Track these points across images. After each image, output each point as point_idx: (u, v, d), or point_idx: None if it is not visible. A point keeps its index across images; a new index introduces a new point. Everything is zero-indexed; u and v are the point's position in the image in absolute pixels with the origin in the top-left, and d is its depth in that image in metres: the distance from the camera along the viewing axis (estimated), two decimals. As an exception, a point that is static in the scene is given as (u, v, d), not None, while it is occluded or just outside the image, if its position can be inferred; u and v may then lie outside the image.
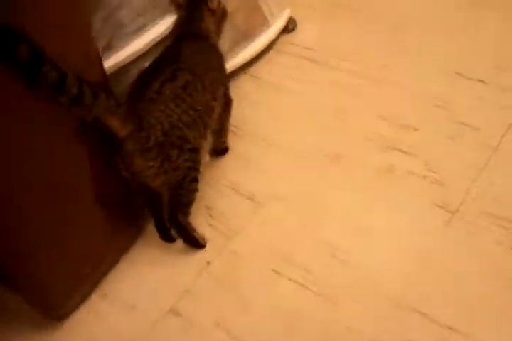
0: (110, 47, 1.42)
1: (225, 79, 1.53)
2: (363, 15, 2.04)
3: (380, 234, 1.39)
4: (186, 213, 1.37)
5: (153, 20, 1.49)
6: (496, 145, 1.54)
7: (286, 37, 1.98)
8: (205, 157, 1.46)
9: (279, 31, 1.93)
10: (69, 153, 1.17)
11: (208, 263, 1.40)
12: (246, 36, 1.82)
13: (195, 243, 1.41)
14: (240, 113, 1.73)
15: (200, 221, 1.47)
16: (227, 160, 1.63)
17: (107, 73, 1.36)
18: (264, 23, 1.87)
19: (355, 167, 1.55)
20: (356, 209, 1.45)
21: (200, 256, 1.42)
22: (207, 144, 1.43)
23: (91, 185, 1.24)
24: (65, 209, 1.20)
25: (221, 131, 1.56)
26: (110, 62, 1.41)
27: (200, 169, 1.37)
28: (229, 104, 1.54)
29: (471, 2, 1.99)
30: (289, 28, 1.98)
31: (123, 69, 1.44)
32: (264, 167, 1.60)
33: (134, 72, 1.45)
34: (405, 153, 1.56)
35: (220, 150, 1.62)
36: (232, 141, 1.67)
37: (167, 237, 1.43)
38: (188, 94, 1.28)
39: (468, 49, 1.83)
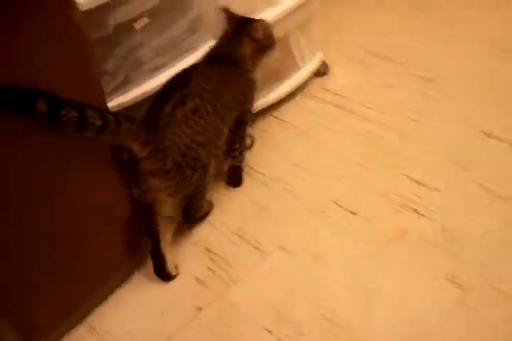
0: (127, 83, 1.41)
1: (247, 104, 1.53)
2: (398, 65, 1.98)
3: (382, 304, 1.30)
4: (199, 210, 1.47)
5: (172, 60, 1.48)
6: (518, 219, 1.45)
7: (317, 81, 1.95)
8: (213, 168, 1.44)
9: (309, 75, 1.89)
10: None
11: (200, 309, 1.35)
12: (276, 77, 1.79)
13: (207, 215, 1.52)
14: (259, 155, 1.71)
15: (200, 263, 1.43)
16: (236, 203, 1.59)
17: (123, 107, 1.39)
18: (295, 66, 1.83)
19: (368, 226, 1.48)
20: (362, 273, 1.37)
21: (193, 300, 1.36)
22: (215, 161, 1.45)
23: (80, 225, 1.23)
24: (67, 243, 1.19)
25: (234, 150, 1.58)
26: (126, 98, 1.40)
27: (210, 178, 1.42)
28: (244, 127, 1.56)
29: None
30: (321, 72, 1.95)
31: (138, 104, 1.42)
32: (276, 214, 1.55)
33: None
34: (422, 215, 1.49)
35: (233, 168, 1.63)
36: (246, 183, 1.63)
37: (161, 272, 1.39)
38: (200, 117, 1.32)
39: (504, 109, 1.75)
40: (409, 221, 1.48)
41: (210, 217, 1.55)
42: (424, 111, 1.80)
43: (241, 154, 1.60)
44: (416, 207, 1.51)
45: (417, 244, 1.42)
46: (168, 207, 1.34)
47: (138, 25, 1.36)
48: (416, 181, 1.58)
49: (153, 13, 1.38)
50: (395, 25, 2.18)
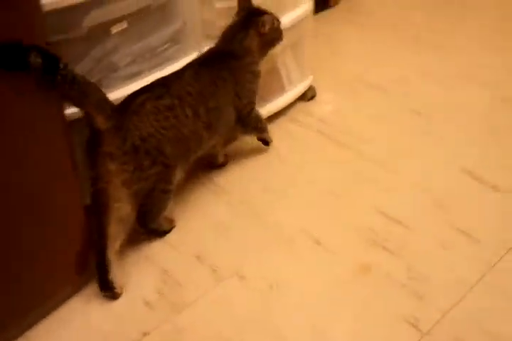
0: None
1: (248, 97, 1.53)
2: (388, 96, 1.94)
3: (335, 341, 1.23)
4: (155, 219, 1.41)
5: (150, 69, 1.43)
6: (493, 264, 1.38)
7: (302, 105, 1.90)
8: (182, 176, 1.44)
9: (295, 98, 1.84)
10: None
11: (145, 334, 1.27)
12: (260, 98, 1.73)
13: (164, 234, 1.47)
14: (231, 175, 1.65)
15: (151, 284, 1.36)
16: (200, 223, 1.52)
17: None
18: (282, 88, 1.79)
19: (332, 258, 1.42)
20: (319, 308, 1.30)
21: (139, 324, 1.29)
22: (186, 167, 1.44)
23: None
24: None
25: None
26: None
27: (174, 182, 1.39)
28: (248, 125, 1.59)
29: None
30: (308, 96, 1.90)
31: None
32: (239, 238, 1.48)
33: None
34: (390, 252, 1.42)
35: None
36: (212, 202, 1.57)
37: (104, 285, 1.31)
38: (174, 117, 1.33)
39: (490, 151, 1.70)
40: (375, 256, 1.41)
41: (169, 236, 1.48)
42: (408, 144, 1.75)
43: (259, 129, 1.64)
44: (384, 243, 1.44)
45: (380, 281, 1.35)
46: (122, 202, 1.29)
47: (115, 30, 1.31)
48: (388, 216, 1.51)
49: (133, 18, 1.33)
50: (391, 55, 2.14)
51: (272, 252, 1.44)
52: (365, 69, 2.06)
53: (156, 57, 1.44)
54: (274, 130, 1.77)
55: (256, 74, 1.54)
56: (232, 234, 1.49)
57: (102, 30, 1.30)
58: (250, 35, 1.49)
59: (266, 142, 1.70)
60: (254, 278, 1.38)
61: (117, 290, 1.32)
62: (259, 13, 1.51)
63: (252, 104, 1.57)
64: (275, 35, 1.54)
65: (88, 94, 1.17)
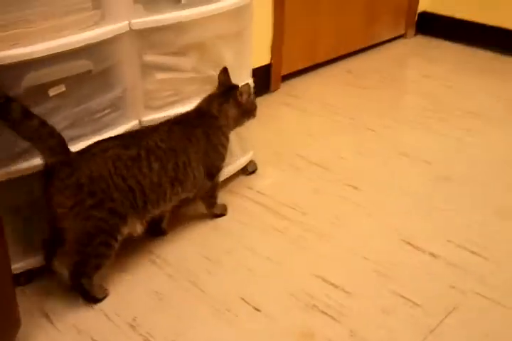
0: (33, 151, 1.33)
1: (218, 160, 1.59)
2: (325, 171, 1.99)
3: None
4: (90, 276, 1.37)
5: (89, 134, 1.44)
6: (433, 328, 1.37)
7: (242, 178, 1.92)
8: (137, 230, 1.42)
9: (236, 171, 1.87)
10: None
11: None
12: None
13: (95, 301, 1.41)
14: (171, 244, 1.64)
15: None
16: (136, 292, 1.46)
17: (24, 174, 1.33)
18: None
19: (272, 324, 1.37)
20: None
21: None
22: (141, 221, 1.42)
23: None
24: None
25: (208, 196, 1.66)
26: (31, 164, 1.35)
27: (119, 238, 1.36)
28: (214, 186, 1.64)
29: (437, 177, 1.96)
30: (248, 170, 1.93)
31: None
32: (176, 307, 1.43)
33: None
34: (331, 317, 1.39)
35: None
36: (149, 272, 1.53)
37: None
38: (137, 167, 1.35)
39: (427, 219, 1.75)
40: (316, 322, 1.38)
41: (104, 305, 1.41)
42: (346, 215, 1.77)
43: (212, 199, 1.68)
44: (325, 309, 1.42)
45: (322, 347, 1.31)
46: (68, 234, 1.33)
47: (52, 92, 1.32)
48: (328, 282, 1.50)
49: (72, 82, 1.35)
50: (329, 135, 2.23)
51: (210, 321, 1.39)
52: (304, 147, 2.13)
53: (95, 122, 1.45)
54: (214, 202, 1.77)
55: (227, 140, 1.60)
56: (169, 303, 1.43)
57: (40, 91, 1.31)
58: (229, 103, 1.58)
59: (218, 215, 1.73)
60: (188, 346, 1.31)
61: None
62: (236, 86, 1.60)
63: (218, 168, 1.62)
64: (250, 107, 1.62)
65: (30, 126, 1.24)
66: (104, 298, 1.43)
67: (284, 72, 2.59)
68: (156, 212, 1.46)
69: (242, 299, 1.44)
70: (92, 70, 1.38)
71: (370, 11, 2.95)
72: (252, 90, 1.63)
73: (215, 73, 1.71)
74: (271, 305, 1.43)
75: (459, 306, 1.43)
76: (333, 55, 2.84)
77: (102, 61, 1.40)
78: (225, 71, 1.61)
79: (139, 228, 1.41)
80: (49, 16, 1.28)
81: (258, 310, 1.42)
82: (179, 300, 1.44)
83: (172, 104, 1.63)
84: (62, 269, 1.42)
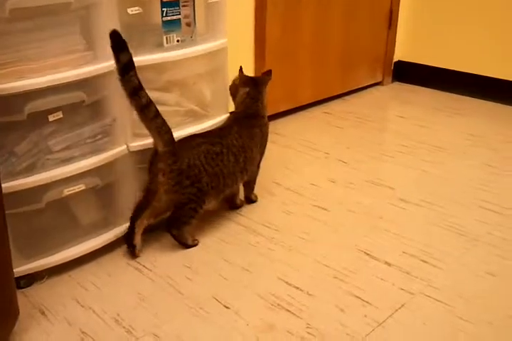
0: (33, 169, 1.57)
1: (265, 145, 2.04)
2: (299, 197, 2.21)
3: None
4: (180, 228, 1.82)
5: (79, 156, 1.66)
6: (381, 321, 1.54)
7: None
8: (212, 204, 1.89)
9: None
10: None
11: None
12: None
13: (187, 246, 1.85)
14: (153, 254, 1.81)
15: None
16: (121, 293, 1.66)
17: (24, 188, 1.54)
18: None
19: (239, 319, 1.55)
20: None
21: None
22: (217, 198, 1.88)
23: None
24: None
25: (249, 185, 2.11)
26: (27, 181, 1.56)
27: (203, 207, 1.82)
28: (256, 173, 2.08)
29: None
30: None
31: (41, 187, 1.58)
32: (155, 305, 1.61)
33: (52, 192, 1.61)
34: (292, 313, 1.57)
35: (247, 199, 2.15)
36: (134, 277, 1.73)
37: (130, 244, 1.79)
38: (221, 160, 1.80)
39: (387, 234, 1.95)
40: (278, 318, 1.56)
41: (92, 303, 1.61)
42: (314, 232, 1.97)
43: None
44: (287, 307, 1.60)
45: (281, 337, 1.48)
46: (160, 203, 1.77)
47: (52, 118, 1.57)
48: (292, 285, 1.69)
49: (68, 110, 1.60)
50: (304, 167, 2.45)
51: (184, 317, 1.57)
52: (281, 176, 2.35)
53: (87, 146, 1.68)
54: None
55: (268, 128, 2.06)
56: (149, 302, 1.62)
57: (41, 117, 1.56)
58: (263, 100, 2.01)
59: (252, 201, 2.15)
60: (167, 336, 1.49)
61: (137, 250, 1.80)
62: (258, 78, 2.04)
63: (263, 155, 2.06)
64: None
65: (157, 119, 1.65)
66: (194, 245, 1.86)
67: (267, 113, 2.84)
68: (227, 192, 1.91)
69: (214, 298, 1.63)
70: (85, 101, 1.63)
71: (347, 60, 3.25)
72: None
73: (195, 107, 1.98)
74: (239, 303, 1.61)
75: (406, 304, 1.61)
76: (313, 100, 3.12)
77: (94, 93, 1.65)
78: (240, 70, 2.01)
79: (213, 203, 1.88)
80: (49, 56, 1.54)
81: (228, 307, 1.60)
82: (158, 300, 1.63)
83: (157, 133, 1.87)
84: (138, 241, 1.81)
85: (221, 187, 1.84)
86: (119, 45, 1.53)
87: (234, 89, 2.03)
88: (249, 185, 2.11)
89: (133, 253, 1.80)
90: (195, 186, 1.76)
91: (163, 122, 1.67)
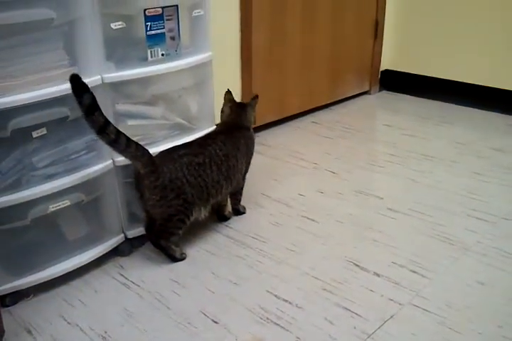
0: (17, 186, 1.56)
1: (250, 157, 2.06)
2: (287, 207, 2.21)
3: None
4: (168, 239, 1.83)
5: (64, 172, 1.65)
6: (370, 333, 1.54)
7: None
8: (201, 214, 1.89)
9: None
10: None
11: None
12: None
13: (174, 259, 1.86)
14: (141, 269, 1.80)
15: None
16: (108, 308, 1.65)
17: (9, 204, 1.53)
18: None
19: (227, 334, 1.54)
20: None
21: None
22: (205, 208, 1.88)
23: None
24: None
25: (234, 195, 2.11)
26: (14, 197, 1.55)
27: (191, 218, 1.83)
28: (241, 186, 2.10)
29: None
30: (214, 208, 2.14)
31: (27, 204, 1.57)
32: (143, 322, 1.59)
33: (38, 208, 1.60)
34: (281, 327, 1.56)
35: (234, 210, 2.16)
36: (121, 292, 1.72)
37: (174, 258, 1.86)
38: (203, 170, 1.81)
39: (375, 245, 1.95)
40: (267, 331, 1.55)
41: (79, 320, 1.59)
42: (303, 243, 1.97)
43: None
44: (276, 320, 1.59)
45: (269, 351, 1.48)
46: (156, 215, 1.80)
47: (36, 134, 1.57)
48: (281, 298, 1.68)
49: (52, 126, 1.60)
50: (292, 178, 2.46)
51: (172, 332, 1.55)
52: (269, 188, 2.35)
53: (72, 161, 1.67)
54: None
55: (254, 140, 2.08)
56: (136, 319, 1.61)
57: (25, 133, 1.55)
58: (251, 116, 2.06)
59: (240, 212, 2.16)
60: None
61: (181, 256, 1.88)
62: (244, 103, 2.08)
63: (248, 167, 2.07)
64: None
65: (129, 148, 1.65)
66: (182, 258, 1.87)
67: (255, 124, 2.84)
68: (213, 201, 1.91)
69: (202, 313, 1.62)
70: (69, 116, 1.62)
71: (334, 69, 3.26)
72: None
73: (181, 121, 1.97)
74: (228, 318, 1.60)
75: (396, 315, 1.60)
76: (300, 110, 3.12)
77: (77, 109, 1.64)
78: (229, 92, 2.04)
79: (202, 213, 1.88)
80: (32, 72, 1.53)
81: (216, 322, 1.59)
82: (146, 316, 1.62)
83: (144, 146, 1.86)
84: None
85: (206, 197, 1.85)
86: (79, 88, 1.51)
87: (222, 112, 2.07)
88: (236, 197, 2.11)
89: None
90: (180, 198, 1.77)
91: (137, 148, 1.67)
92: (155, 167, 1.72)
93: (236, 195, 2.10)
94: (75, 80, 1.50)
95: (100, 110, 1.56)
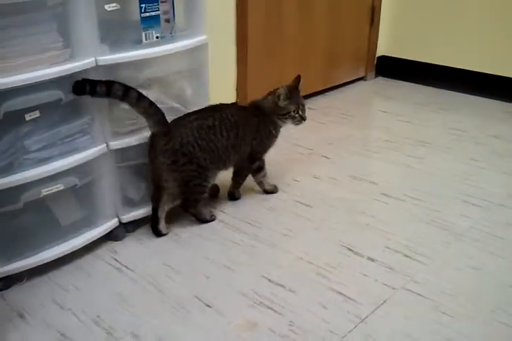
0: (9, 169, 1.55)
1: (260, 147, 2.02)
2: (283, 193, 2.20)
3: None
4: (195, 206, 1.92)
5: (58, 156, 1.64)
6: (363, 317, 1.54)
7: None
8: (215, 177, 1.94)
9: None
10: None
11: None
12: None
13: (205, 221, 1.97)
14: (133, 253, 1.79)
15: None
16: (100, 293, 1.65)
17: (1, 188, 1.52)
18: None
19: (221, 318, 1.54)
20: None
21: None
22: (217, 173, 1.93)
23: None
24: None
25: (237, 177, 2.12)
26: (6, 180, 1.54)
27: (209, 182, 1.89)
28: (250, 170, 2.09)
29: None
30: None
31: (19, 188, 1.56)
32: (136, 306, 1.59)
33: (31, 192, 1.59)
34: (274, 311, 1.56)
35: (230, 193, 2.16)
36: (114, 277, 1.72)
37: (156, 230, 1.90)
38: (213, 134, 1.84)
39: (370, 230, 1.95)
40: (260, 315, 1.55)
41: (72, 305, 1.59)
42: (297, 228, 1.97)
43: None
44: (270, 304, 1.59)
45: (264, 335, 1.48)
46: (168, 182, 1.83)
47: (28, 117, 1.55)
48: (275, 282, 1.68)
49: (45, 109, 1.58)
50: (288, 165, 2.45)
51: (165, 316, 1.55)
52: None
53: (65, 145, 1.65)
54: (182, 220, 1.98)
55: (272, 135, 2.03)
56: (130, 303, 1.60)
57: (17, 116, 1.53)
58: (272, 103, 1.99)
59: (234, 197, 2.15)
60: (147, 336, 1.48)
61: (163, 233, 1.91)
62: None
63: (258, 155, 2.04)
64: (283, 110, 1.98)
65: (142, 107, 1.73)
66: (212, 219, 1.99)
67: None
68: (223, 169, 1.95)
69: (196, 297, 1.62)
70: (62, 99, 1.60)
71: (330, 55, 3.24)
72: (285, 95, 1.98)
73: (176, 105, 1.96)
74: (221, 302, 1.60)
75: (389, 299, 1.61)
76: (297, 95, 3.10)
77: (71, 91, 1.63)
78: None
79: (216, 178, 1.93)
80: (25, 54, 1.50)
81: (209, 306, 1.59)
82: (139, 300, 1.62)
83: (138, 130, 1.85)
84: (163, 228, 1.92)
85: (217, 162, 1.88)
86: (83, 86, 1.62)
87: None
88: (237, 180, 2.11)
89: (159, 235, 1.91)
90: (193, 162, 1.81)
91: (150, 104, 1.72)
92: (167, 129, 1.78)
93: (238, 178, 2.11)
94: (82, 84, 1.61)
95: (101, 83, 1.64)
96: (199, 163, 1.82)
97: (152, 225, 1.90)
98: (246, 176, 2.11)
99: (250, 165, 2.06)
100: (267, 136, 2.02)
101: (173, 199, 1.89)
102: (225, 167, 1.95)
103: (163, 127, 1.78)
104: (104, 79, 1.64)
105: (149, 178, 1.88)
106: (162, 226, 1.90)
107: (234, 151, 1.92)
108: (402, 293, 1.64)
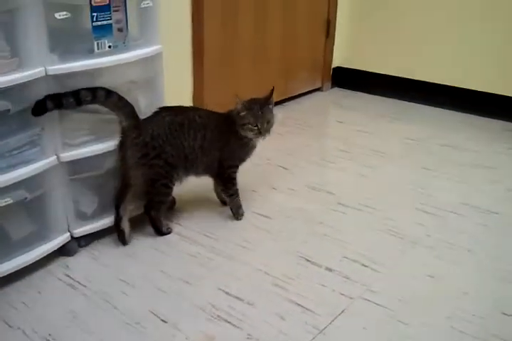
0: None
1: (229, 159, 1.97)
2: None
3: None
4: (158, 209, 1.91)
5: (6, 168, 1.59)
6: (322, 328, 1.53)
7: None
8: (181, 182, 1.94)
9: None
10: None
11: None
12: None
13: (160, 233, 1.95)
14: (87, 267, 1.74)
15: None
16: (53, 311, 1.59)
17: None
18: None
19: (177, 333, 1.51)
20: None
21: None
22: (185, 176, 1.94)
23: None
24: None
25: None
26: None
27: (174, 182, 1.89)
28: (225, 178, 2.02)
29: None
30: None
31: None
32: (89, 323, 1.55)
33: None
34: (232, 324, 1.54)
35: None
36: (66, 293, 1.66)
37: (118, 229, 1.88)
38: (182, 132, 1.85)
39: (327, 240, 1.95)
40: (218, 329, 1.52)
41: (22, 323, 1.53)
42: (255, 240, 1.95)
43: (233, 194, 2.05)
44: (227, 318, 1.56)
45: (220, 348, 1.45)
46: (136, 179, 1.84)
47: (-28, 129, 1.49)
48: (232, 295, 1.66)
49: (-9, 120, 1.53)
50: (246, 172, 2.42)
51: (120, 333, 1.51)
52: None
53: (14, 157, 1.60)
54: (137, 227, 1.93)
55: (243, 144, 1.95)
56: (83, 320, 1.55)
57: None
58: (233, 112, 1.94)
59: (237, 216, 2.07)
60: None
61: (126, 236, 1.89)
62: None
63: (232, 167, 1.99)
64: (240, 121, 1.90)
65: (111, 102, 1.74)
66: (168, 232, 1.96)
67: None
68: (191, 173, 1.94)
69: (151, 312, 1.58)
70: (10, 110, 1.55)
71: (287, 66, 3.25)
72: (242, 106, 1.92)
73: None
74: (178, 317, 1.57)
75: (346, 309, 1.60)
76: (253, 106, 3.09)
77: (20, 102, 1.58)
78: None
79: (183, 181, 1.93)
80: (-31, 63, 1.46)
81: (165, 321, 1.55)
82: (93, 317, 1.57)
83: (90, 142, 1.81)
84: (125, 226, 1.89)
85: (184, 161, 1.88)
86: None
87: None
88: (223, 190, 2.05)
89: (123, 240, 1.89)
90: (162, 158, 1.82)
91: (119, 98, 1.74)
92: (138, 122, 1.80)
93: (223, 188, 2.04)
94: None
95: (68, 96, 1.65)
96: (167, 160, 1.83)
97: (115, 226, 1.88)
98: (226, 181, 2.02)
99: (221, 170, 1.98)
100: (237, 144, 1.95)
101: (137, 199, 1.89)
102: (193, 169, 1.92)
103: (133, 120, 1.80)
104: (68, 91, 1.65)
105: (117, 177, 1.87)
106: (126, 226, 1.88)
107: (202, 153, 1.90)
108: (360, 303, 1.63)
